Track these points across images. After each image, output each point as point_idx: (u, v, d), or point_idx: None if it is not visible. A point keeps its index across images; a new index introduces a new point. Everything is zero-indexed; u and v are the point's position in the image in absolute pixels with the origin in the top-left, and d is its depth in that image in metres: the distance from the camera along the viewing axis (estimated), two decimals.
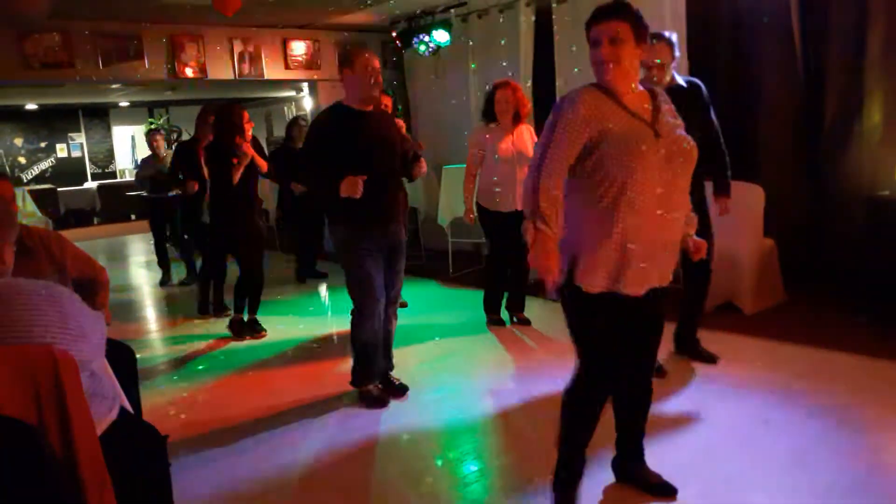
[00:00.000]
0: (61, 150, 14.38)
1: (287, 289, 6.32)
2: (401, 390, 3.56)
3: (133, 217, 12.76)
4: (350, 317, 3.41)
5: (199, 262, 5.85)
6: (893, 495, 2.40)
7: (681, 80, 3.49)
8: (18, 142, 13.92)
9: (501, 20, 6.39)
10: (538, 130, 4.55)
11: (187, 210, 5.80)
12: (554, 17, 5.82)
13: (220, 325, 5.04)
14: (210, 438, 3.19)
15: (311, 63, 7.48)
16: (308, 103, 8.76)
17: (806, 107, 5.04)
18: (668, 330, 2.82)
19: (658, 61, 3.35)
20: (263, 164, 4.72)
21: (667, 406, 3.15)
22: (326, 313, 5.52)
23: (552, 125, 2.15)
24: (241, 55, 7.08)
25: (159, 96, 12.81)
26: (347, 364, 3.61)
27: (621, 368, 2.33)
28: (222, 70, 7.00)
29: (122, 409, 2.00)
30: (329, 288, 6.28)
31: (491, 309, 4.71)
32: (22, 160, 13.95)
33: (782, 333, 4.05)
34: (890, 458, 2.65)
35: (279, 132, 13.63)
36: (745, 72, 5.27)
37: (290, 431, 3.23)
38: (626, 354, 2.33)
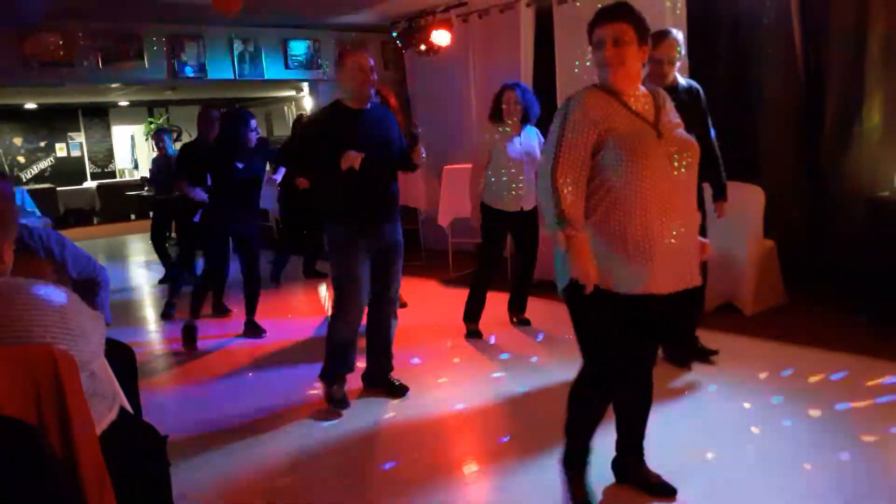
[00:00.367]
0: (61, 150, 14.37)
1: (287, 289, 6.32)
2: (401, 391, 3.56)
3: (133, 217, 12.76)
4: (331, 312, 3.44)
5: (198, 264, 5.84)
6: (893, 496, 2.40)
7: (682, 81, 3.49)
8: (18, 141, 13.91)
9: (501, 20, 6.39)
10: (541, 129, 4.58)
11: (189, 211, 5.78)
12: (554, 17, 5.82)
13: (220, 326, 5.04)
14: (210, 438, 3.19)
15: (311, 63, 7.48)
16: (308, 103, 8.77)
17: (806, 107, 5.04)
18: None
19: (668, 57, 3.34)
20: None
21: (666, 406, 3.15)
22: (326, 313, 5.52)
23: (560, 128, 2.15)
24: (241, 55, 7.09)
25: (159, 96, 12.81)
26: None
27: (630, 366, 2.35)
28: (222, 70, 7.00)
29: (122, 409, 2.00)
30: (329, 289, 6.28)
31: (471, 318, 4.53)
32: (21, 159, 13.95)
33: (782, 334, 4.05)
34: (890, 459, 2.65)
35: (279, 132, 13.64)
36: (745, 72, 5.27)
37: (288, 431, 3.23)
38: (635, 353, 2.34)
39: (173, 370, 4.30)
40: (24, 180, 13.57)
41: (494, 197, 4.36)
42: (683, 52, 3.46)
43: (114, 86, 9.73)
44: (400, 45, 7.19)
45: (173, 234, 7.04)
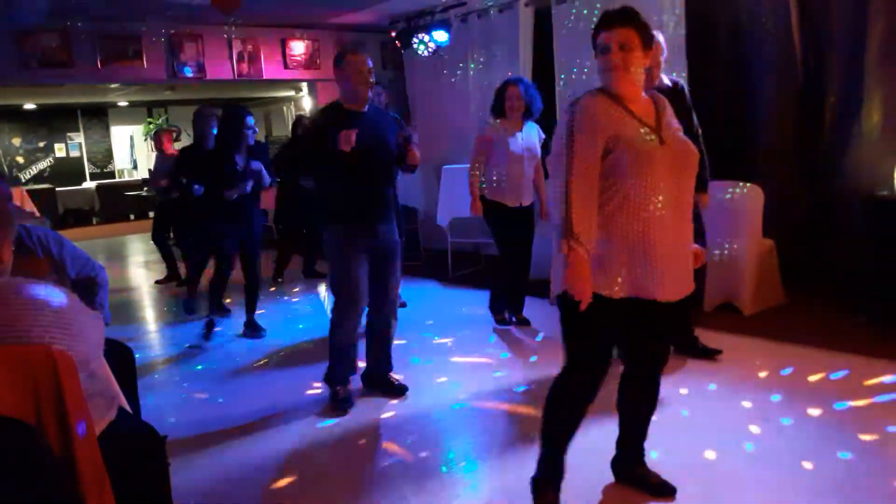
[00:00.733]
0: (60, 150, 14.37)
1: (286, 289, 6.32)
2: (400, 391, 3.56)
3: (132, 217, 12.75)
4: (330, 314, 3.45)
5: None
6: (893, 496, 2.40)
7: (666, 80, 3.53)
8: (17, 141, 13.91)
9: (501, 20, 6.39)
10: (543, 128, 4.58)
11: (189, 212, 5.77)
12: (553, 17, 5.82)
13: (219, 325, 5.04)
14: (208, 438, 3.19)
15: (310, 63, 7.48)
16: (307, 103, 8.76)
17: (805, 107, 5.05)
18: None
19: (657, 61, 3.37)
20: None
21: (666, 406, 3.14)
22: (325, 313, 5.51)
23: (569, 134, 2.13)
24: (240, 55, 7.08)
25: (158, 96, 12.80)
26: None
27: (605, 373, 2.31)
28: (221, 70, 7.00)
29: (121, 409, 2.00)
30: (328, 289, 6.28)
31: (497, 309, 4.64)
32: (20, 160, 13.94)
33: (782, 333, 4.05)
34: (890, 459, 2.65)
35: (278, 132, 13.63)
36: (744, 73, 5.27)
37: (288, 431, 3.23)
38: (637, 353, 2.35)
39: (172, 370, 4.30)
40: (24, 181, 13.57)
41: (495, 191, 4.37)
42: (666, 53, 3.51)
43: (113, 86, 9.73)
44: (399, 44, 7.20)
45: (171, 235, 7.02)
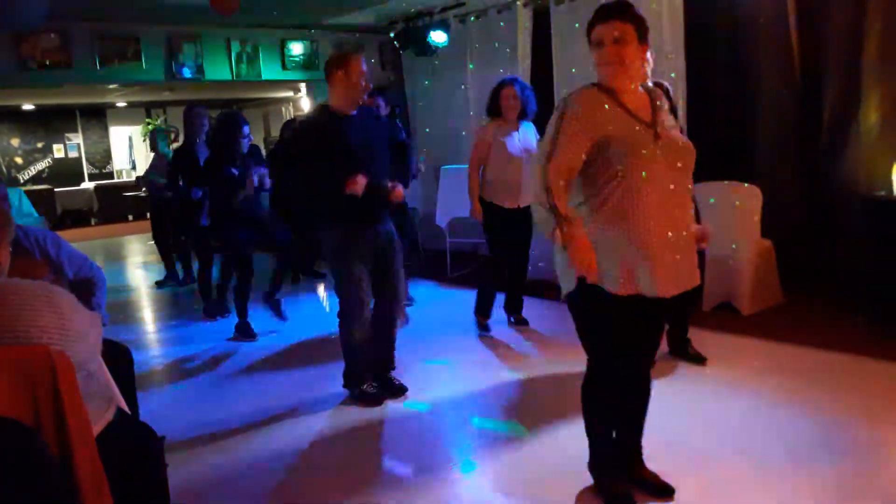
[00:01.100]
0: (58, 151, 14.35)
1: (284, 290, 6.30)
2: (400, 390, 3.56)
3: (130, 217, 12.73)
4: (337, 319, 3.46)
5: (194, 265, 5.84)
6: (892, 496, 2.40)
7: (650, 80, 3.54)
8: (15, 142, 13.89)
9: (499, 21, 6.39)
10: (539, 129, 4.58)
11: (187, 213, 5.77)
12: (552, 17, 5.82)
13: (217, 326, 5.04)
14: (207, 439, 3.19)
15: (308, 63, 7.47)
16: (305, 104, 8.76)
17: (803, 108, 5.05)
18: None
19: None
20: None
21: (664, 407, 3.14)
22: (323, 313, 5.51)
23: (556, 125, 2.15)
24: (239, 55, 7.08)
25: (157, 97, 12.80)
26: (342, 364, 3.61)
27: (632, 365, 2.35)
28: (220, 70, 7.00)
29: (119, 410, 2.00)
30: (327, 289, 6.28)
31: (482, 312, 4.60)
32: (19, 160, 13.93)
33: (780, 334, 4.05)
34: (888, 459, 2.66)
35: (277, 133, 13.62)
36: (742, 73, 5.28)
37: (287, 432, 3.23)
38: (635, 353, 2.35)
39: (170, 371, 4.29)
40: (22, 181, 13.55)
41: (492, 193, 4.36)
42: (652, 65, 3.55)
43: (111, 87, 9.72)
44: (398, 46, 7.19)
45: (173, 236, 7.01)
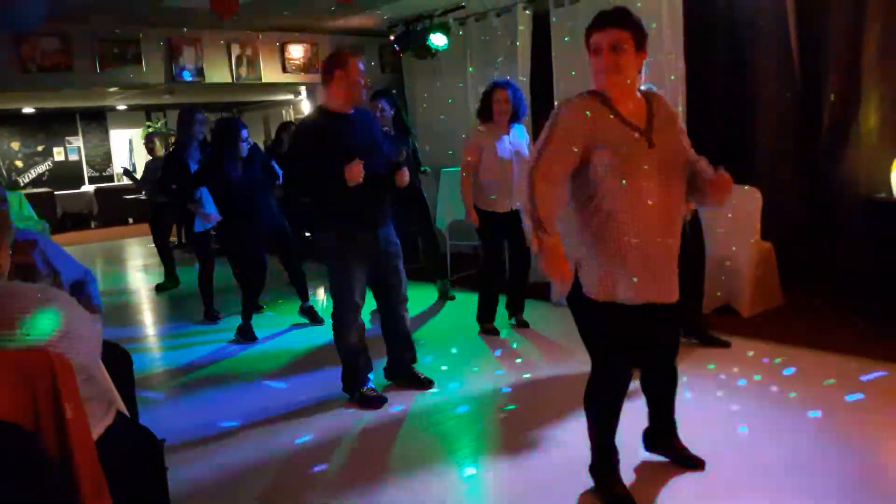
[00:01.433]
0: (58, 154, 14.35)
1: (284, 291, 6.30)
2: (427, 383, 3.62)
3: (130, 221, 12.73)
4: (332, 320, 3.47)
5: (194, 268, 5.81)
6: (891, 498, 2.40)
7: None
8: (15, 145, 13.89)
9: (499, 24, 6.40)
10: (536, 134, 4.58)
11: (186, 216, 5.77)
12: (552, 20, 5.82)
13: (216, 330, 5.04)
14: (207, 442, 3.19)
15: (308, 66, 7.48)
16: (306, 107, 8.77)
17: (803, 109, 5.05)
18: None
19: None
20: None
21: None
22: (322, 315, 5.51)
23: (549, 130, 2.17)
24: (239, 58, 7.09)
25: (157, 100, 12.78)
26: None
27: (629, 369, 2.38)
28: (220, 73, 7.00)
29: (119, 413, 2.00)
30: (326, 291, 6.27)
31: (484, 318, 4.59)
32: (19, 164, 13.92)
33: (780, 335, 4.05)
34: (888, 461, 2.65)
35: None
36: (742, 75, 5.28)
37: (288, 435, 3.22)
38: (638, 357, 2.38)
39: (170, 374, 4.29)
40: (22, 184, 13.55)
41: (486, 199, 4.35)
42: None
43: (112, 90, 9.71)
44: (398, 48, 7.20)
45: (173, 238, 7.03)
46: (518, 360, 4.07)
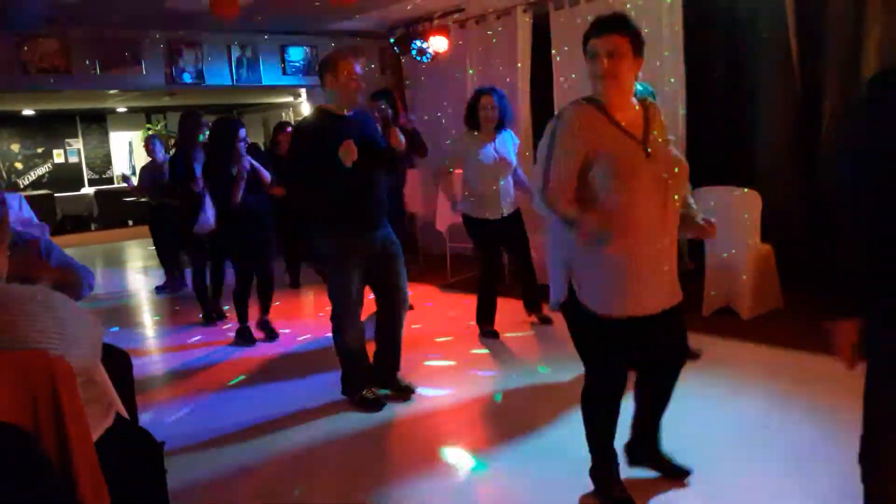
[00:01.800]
0: (58, 156, 14.36)
1: (283, 293, 6.31)
2: (407, 391, 3.56)
3: (130, 223, 12.73)
4: (331, 323, 3.46)
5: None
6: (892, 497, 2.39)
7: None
8: (15, 147, 13.90)
9: (499, 26, 6.41)
10: (536, 138, 4.59)
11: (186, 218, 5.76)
12: (551, 23, 5.84)
13: (216, 332, 5.03)
14: (206, 444, 3.18)
15: (308, 69, 7.49)
16: (306, 109, 8.77)
17: (803, 111, 5.05)
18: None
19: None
20: (265, 177, 4.70)
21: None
22: (324, 318, 5.51)
23: (550, 144, 2.16)
24: (239, 61, 7.10)
25: (157, 102, 12.81)
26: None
27: (626, 371, 2.37)
28: (220, 76, 7.01)
29: (118, 416, 1.99)
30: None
31: (484, 320, 4.59)
32: (19, 166, 13.93)
33: (780, 338, 4.04)
34: None
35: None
36: (742, 77, 5.28)
37: (287, 438, 3.22)
38: (642, 357, 2.37)
39: (170, 376, 4.28)
40: (22, 186, 13.56)
41: (474, 207, 4.33)
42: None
43: (112, 92, 9.75)
44: (398, 51, 7.21)
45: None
46: (518, 362, 4.07)
